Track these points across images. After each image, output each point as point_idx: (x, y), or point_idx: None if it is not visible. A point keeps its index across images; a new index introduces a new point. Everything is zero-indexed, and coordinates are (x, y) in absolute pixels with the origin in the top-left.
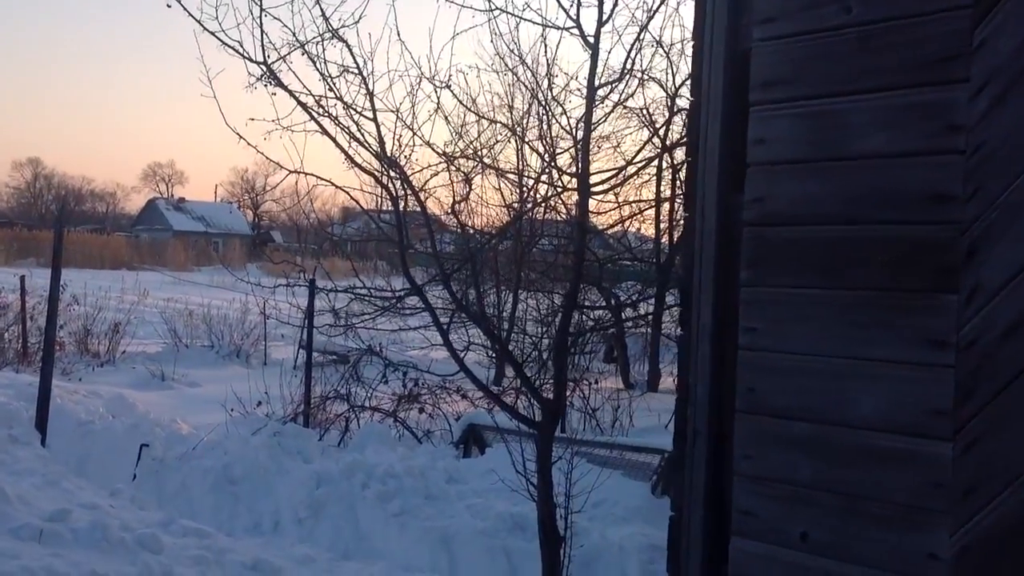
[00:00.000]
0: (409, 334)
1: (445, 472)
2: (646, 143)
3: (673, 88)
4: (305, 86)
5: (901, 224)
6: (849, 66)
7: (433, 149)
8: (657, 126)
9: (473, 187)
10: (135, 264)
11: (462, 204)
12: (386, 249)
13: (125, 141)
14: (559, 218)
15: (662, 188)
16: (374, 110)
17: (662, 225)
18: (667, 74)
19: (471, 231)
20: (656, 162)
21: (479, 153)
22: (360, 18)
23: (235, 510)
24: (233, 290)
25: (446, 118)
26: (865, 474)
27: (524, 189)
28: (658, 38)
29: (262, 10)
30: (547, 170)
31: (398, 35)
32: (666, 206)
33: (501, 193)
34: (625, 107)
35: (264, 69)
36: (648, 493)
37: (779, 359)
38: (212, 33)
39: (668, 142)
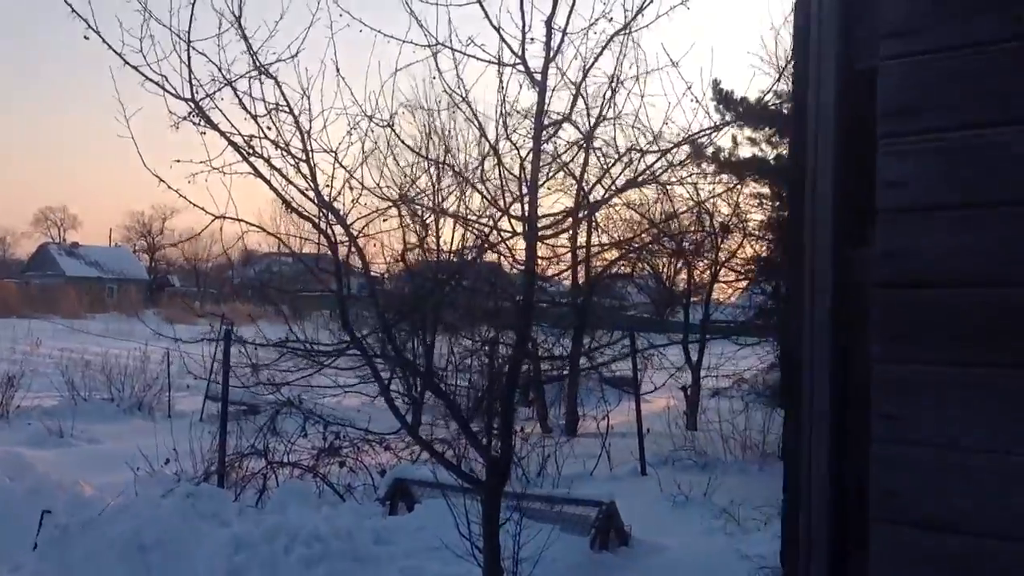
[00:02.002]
0: (319, 380)
1: (373, 532)
2: (595, 184)
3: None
4: (233, 126)
5: None
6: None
7: (370, 191)
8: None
9: (416, 232)
10: (26, 312)
11: (413, 251)
12: (287, 293)
13: (15, 185)
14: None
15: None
16: (305, 151)
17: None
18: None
19: (422, 278)
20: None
21: (422, 195)
22: (298, 52)
23: None
24: (130, 339)
25: (394, 158)
26: None
27: (474, 233)
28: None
29: (189, 44)
30: (488, 213)
31: (337, 70)
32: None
33: (426, 237)
34: (581, 147)
35: (192, 106)
36: (587, 548)
37: (928, 455)
38: (135, 67)
39: (585, 184)
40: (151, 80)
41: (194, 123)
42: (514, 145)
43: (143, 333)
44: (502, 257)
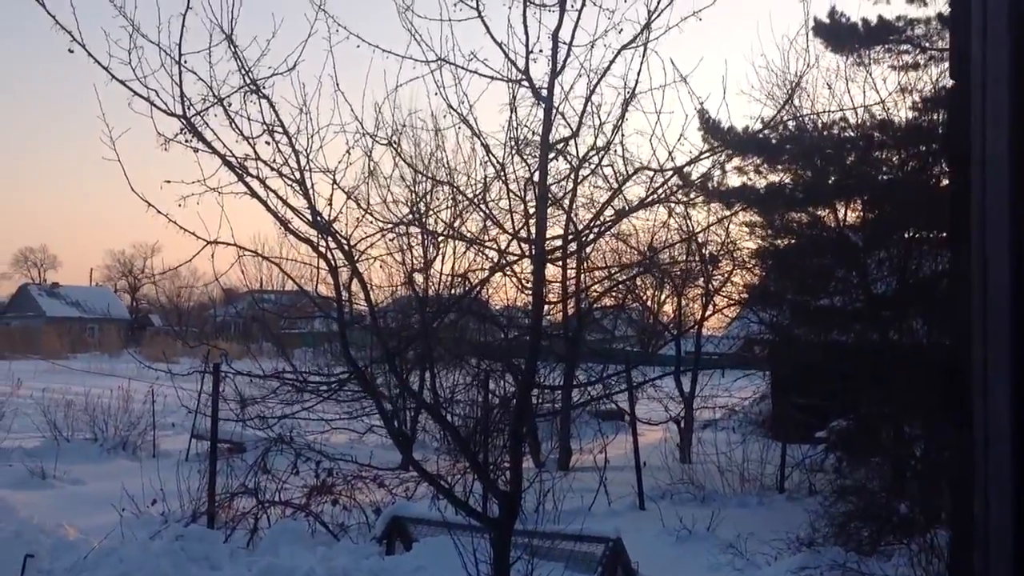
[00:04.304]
0: (307, 416)
1: (371, 573)
2: (605, 204)
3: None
4: (226, 145)
5: None
6: None
7: (370, 214)
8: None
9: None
10: (6, 353)
11: (418, 273)
12: (271, 331)
13: None
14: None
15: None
16: (300, 170)
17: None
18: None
19: (426, 304)
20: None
21: (426, 216)
22: (295, 65)
23: None
24: (112, 375)
25: (401, 177)
26: None
27: (483, 256)
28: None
29: (180, 59)
30: (492, 235)
31: (336, 86)
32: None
33: (433, 261)
34: (590, 166)
35: (184, 123)
36: None
37: None
38: (123, 82)
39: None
40: (140, 96)
41: (184, 143)
42: (524, 161)
43: (124, 371)
44: (508, 281)
